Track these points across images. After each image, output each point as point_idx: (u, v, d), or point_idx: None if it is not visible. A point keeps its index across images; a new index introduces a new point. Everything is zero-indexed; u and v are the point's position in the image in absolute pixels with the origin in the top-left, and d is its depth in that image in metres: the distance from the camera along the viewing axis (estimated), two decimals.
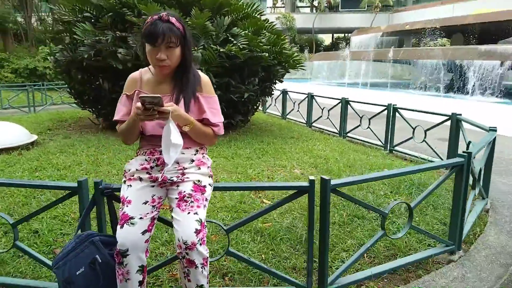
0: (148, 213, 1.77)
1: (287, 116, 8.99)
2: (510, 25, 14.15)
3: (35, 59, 16.66)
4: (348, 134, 6.78)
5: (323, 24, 32.02)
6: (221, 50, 5.34)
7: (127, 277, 1.72)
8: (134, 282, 1.73)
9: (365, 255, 2.60)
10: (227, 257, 2.41)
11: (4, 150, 4.60)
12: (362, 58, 17.33)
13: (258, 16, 6.54)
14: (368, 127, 6.28)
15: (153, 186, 1.84)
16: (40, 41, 19.19)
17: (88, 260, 1.72)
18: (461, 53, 12.96)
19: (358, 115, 6.47)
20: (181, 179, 1.83)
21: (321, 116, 7.55)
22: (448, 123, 4.94)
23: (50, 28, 17.34)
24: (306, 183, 2.03)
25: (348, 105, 6.79)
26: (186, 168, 1.85)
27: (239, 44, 5.45)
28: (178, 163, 1.83)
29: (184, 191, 1.79)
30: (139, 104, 1.65)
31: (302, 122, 8.25)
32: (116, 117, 1.91)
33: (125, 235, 1.69)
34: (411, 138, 5.40)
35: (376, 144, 6.12)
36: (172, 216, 1.77)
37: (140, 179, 1.84)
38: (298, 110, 8.34)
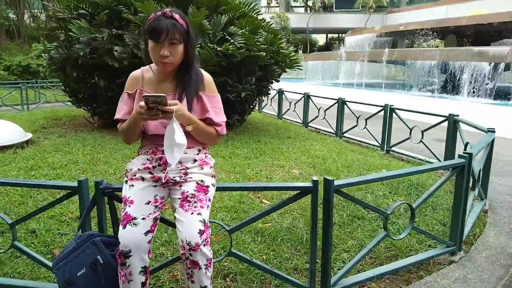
0: (150, 214, 1.74)
1: (283, 116, 8.98)
2: (503, 27, 14.27)
3: (28, 56, 16.47)
4: (345, 134, 6.79)
5: (317, 24, 32.08)
6: (218, 49, 5.31)
7: (130, 278, 1.69)
8: (136, 283, 1.70)
9: (367, 255, 2.58)
10: (228, 258, 2.38)
11: None
12: (357, 58, 17.38)
13: (255, 15, 6.51)
14: (365, 128, 6.28)
15: (155, 186, 1.81)
16: (32, 38, 18.97)
17: (90, 261, 1.69)
18: (454, 54, 13.04)
19: (355, 115, 6.48)
20: (184, 179, 1.80)
21: (317, 116, 7.55)
22: (445, 124, 4.96)
23: (43, 25, 17.14)
24: (309, 184, 2.02)
25: (345, 105, 6.79)
26: (189, 168, 1.83)
27: (236, 43, 5.43)
28: (180, 162, 1.81)
29: (187, 191, 1.77)
30: (142, 103, 1.62)
31: (298, 122, 8.24)
32: (117, 116, 1.87)
33: (128, 236, 1.66)
34: (408, 138, 5.41)
35: (373, 145, 6.13)
36: (175, 217, 1.75)
37: (142, 178, 1.81)
38: (294, 110, 8.33)
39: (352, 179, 2.13)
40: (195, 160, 1.85)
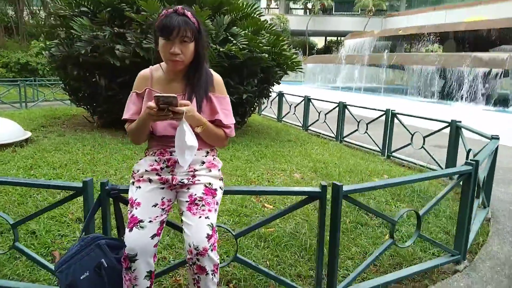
0: (157, 216, 1.71)
1: (283, 119, 8.95)
2: (502, 33, 14.34)
3: (27, 54, 16.36)
4: (345, 139, 6.77)
5: (316, 27, 32.13)
6: (221, 49, 5.27)
7: (135, 283, 1.66)
8: None
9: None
10: (231, 263, 2.34)
11: None
12: (356, 62, 17.41)
13: (258, 17, 6.49)
14: (366, 132, 6.26)
15: (162, 188, 1.77)
16: (31, 35, 18.87)
17: (94, 264, 1.65)
18: (454, 59, 13.08)
19: (356, 119, 6.46)
20: (191, 181, 1.77)
21: (317, 120, 7.53)
22: (445, 130, 4.96)
23: (42, 23, 17.04)
24: (317, 189, 1.99)
25: (345, 109, 6.78)
26: (197, 170, 1.79)
27: (239, 44, 5.39)
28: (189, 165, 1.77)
29: (195, 194, 1.73)
30: (150, 103, 1.59)
31: (298, 125, 8.22)
32: (125, 116, 1.84)
33: (135, 239, 1.63)
34: (409, 144, 5.40)
35: (374, 150, 6.11)
36: (181, 220, 1.71)
37: (150, 180, 1.77)
38: (294, 113, 8.30)
39: (361, 184, 2.10)
40: (203, 162, 1.82)
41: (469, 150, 4.13)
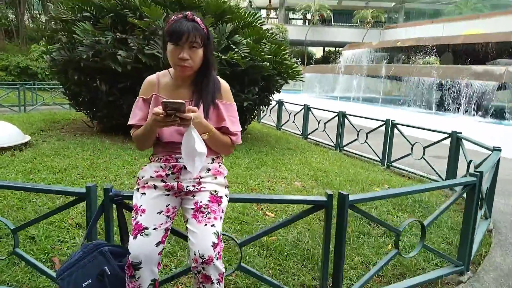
0: (162, 224, 1.68)
1: (282, 127, 8.95)
2: (499, 47, 14.47)
3: (27, 57, 16.34)
4: (345, 148, 6.77)
5: (315, 37, 32.32)
6: (223, 57, 5.28)
7: None
8: None
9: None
10: (234, 272, 2.31)
11: None
12: (354, 72, 17.49)
13: (259, 26, 6.51)
14: (365, 142, 6.27)
15: (168, 195, 1.75)
16: (31, 39, 18.88)
17: (96, 271, 1.63)
18: (451, 72, 13.15)
19: (356, 129, 6.47)
20: (197, 188, 1.75)
21: (317, 129, 7.53)
22: (445, 141, 4.96)
23: (43, 27, 17.07)
24: (323, 198, 1.97)
25: (345, 119, 6.79)
26: (203, 177, 1.77)
27: (240, 52, 5.40)
28: None
29: (201, 202, 1.71)
30: (157, 109, 1.57)
31: (297, 134, 8.22)
32: (131, 122, 1.81)
33: (139, 247, 1.60)
34: (409, 154, 5.40)
35: (373, 159, 6.11)
36: (186, 228, 1.69)
37: (155, 187, 1.75)
38: (294, 122, 8.31)
39: (367, 194, 2.08)
40: (208, 169, 1.80)
41: (470, 161, 4.13)
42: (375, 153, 6.08)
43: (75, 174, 3.75)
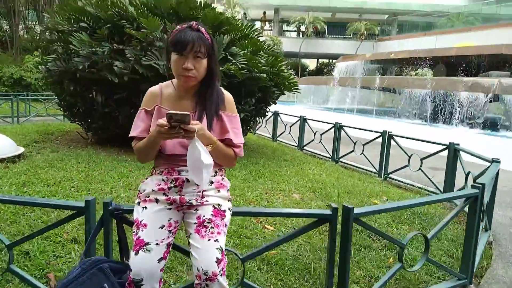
0: (164, 239, 1.64)
1: (278, 138, 8.93)
2: (490, 59, 14.67)
3: (21, 68, 16.24)
4: (341, 159, 6.75)
5: (309, 49, 32.57)
6: (220, 68, 5.25)
7: None
8: None
9: None
10: None
11: None
12: (348, 84, 17.61)
13: (256, 37, 6.53)
14: (362, 153, 6.26)
15: (169, 209, 1.71)
16: (25, 49, 18.79)
17: None
18: (445, 83, 13.29)
19: (352, 140, 6.47)
20: (200, 202, 1.70)
21: (313, 140, 7.52)
22: (441, 151, 4.96)
23: (37, 37, 17.02)
24: (328, 211, 1.93)
25: (341, 130, 6.79)
26: (205, 191, 1.73)
27: (238, 64, 5.40)
28: (196, 185, 1.71)
29: (204, 216, 1.67)
30: (161, 121, 1.54)
31: (293, 145, 8.20)
32: (132, 133, 1.77)
33: (141, 263, 1.55)
34: (406, 166, 5.39)
35: (370, 171, 6.09)
36: (189, 243, 1.64)
37: (157, 200, 1.70)
38: (289, 133, 8.30)
39: (371, 207, 2.05)
40: (211, 182, 1.77)
41: (468, 172, 4.12)
42: (372, 164, 6.07)
43: (70, 187, 3.68)
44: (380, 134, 5.93)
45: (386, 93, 20.50)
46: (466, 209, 2.65)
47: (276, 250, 2.82)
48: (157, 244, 1.60)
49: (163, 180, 1.72)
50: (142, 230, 1.62)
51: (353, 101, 18.06)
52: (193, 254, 1.58)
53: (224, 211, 1.73)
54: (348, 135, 6.65)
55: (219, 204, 1.73)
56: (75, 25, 5.62)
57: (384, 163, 5.79)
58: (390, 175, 5.72)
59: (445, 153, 4.88)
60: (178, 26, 1.69)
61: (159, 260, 1.58)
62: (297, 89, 6.81)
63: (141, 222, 1.65)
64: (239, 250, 2.74)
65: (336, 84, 18.03)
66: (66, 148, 5.54)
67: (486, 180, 2.72)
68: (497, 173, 3.47)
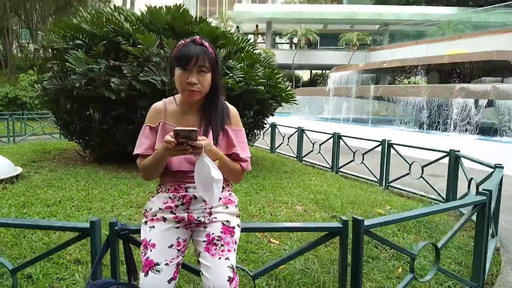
0: (173, 258, 1.59)
1: (276, 150, 8.91)
2: (482, 66, 14.83)
3: (15, 87, 16.19)
4: (341, 169, 6.73)
5: (302, 61, 32.79)
6: None
7: None
8: None
9: None
10: None
11: None
12: (343, 94, 17.71)
13: (252, 50, 6.56)
14: (362, 163, 6.23)
15: (178, 228, 1.66)
16: (19, 68, 18.77)
17: None
18: (438, 91, 13.39)
19: (351, 150, 6.45)
20: (208, 219, 1.66)
21: (312, 151, 7.49)
22: (442, 159, 4.95)
23: (32, 56, 17.02)
24: (339, 224, 1.90)
25: (340, 140, 6.77)
26: (214, 207, 1.69)
27: (235, 77, 5.40)
28: (204, 201, 1.67)
29: (213, 233, 1.63)
30: (168, 137, 1.50)
31: (292, 156, 8.17)
32: (137, 151, 1.74)
33: (151, 284, 1.51)
34: (407, 174, 5.37)
35: (371, 180, 6.06)
36: (199, 261, 1.60)
37: (164, 219, 1.66)
38: (288, 144, 8.27)
39: (381, 218, 2.02)
40: (219, 198, 1.72)
41: (471, 179, 4.11)
42: (373, 173, 6.05)
43: (70, 206, 3.62)
44: (379, 143, 5.92)
45: (381, 102, 20.61)
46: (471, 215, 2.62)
47: (284, 265, 2.77)
48: (166, 264, 1.55)
49: (170, 198, 1.68)
50: (151, 250, 1.58)
51: (349, 111, 18.13)
52: (203, 273, 1.54)
53: (233, 227, 1.69)
54: (347, 145, 6.64)
55: (228, 221, 1.69)
56: (70, 43, 5.61)
57: (385, 172, 5.77)
58: (391, 184, 5.70)
59: (445, 160, 4.87)
60: (181, 41, 1.68)
61: (169, 281, 1.54)
62: (294, 100, 6.82)
63: (149, 242, 1.60)
64: (246, 265, 2.69)
65: (332, 94, 18.13)
66: (64, 167, 5.48)
67: (492, 186, 2.70)
68: (502, 179, 3.45)
